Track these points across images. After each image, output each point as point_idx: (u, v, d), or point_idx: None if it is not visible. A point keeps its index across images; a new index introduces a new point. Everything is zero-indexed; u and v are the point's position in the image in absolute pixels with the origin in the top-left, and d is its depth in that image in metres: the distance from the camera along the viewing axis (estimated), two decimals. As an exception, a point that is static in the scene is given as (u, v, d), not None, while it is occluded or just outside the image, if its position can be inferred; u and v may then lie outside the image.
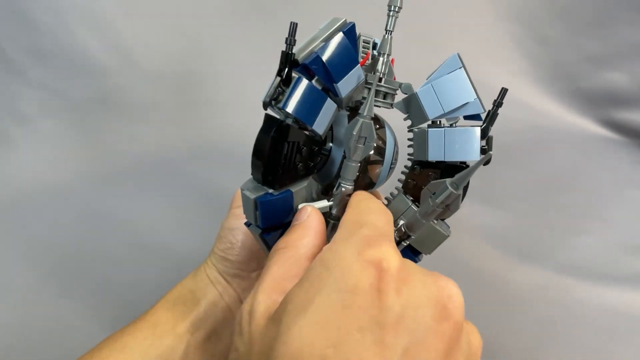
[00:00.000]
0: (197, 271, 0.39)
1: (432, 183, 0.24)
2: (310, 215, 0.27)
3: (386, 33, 0.30)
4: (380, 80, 0.29)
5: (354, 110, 0.32)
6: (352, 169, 0.25)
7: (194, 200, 0.58)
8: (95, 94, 0.69)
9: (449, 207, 0.23)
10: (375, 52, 0.31)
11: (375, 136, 0.28)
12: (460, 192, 0.22)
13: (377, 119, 0.32)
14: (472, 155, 0.29)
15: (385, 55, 0.30)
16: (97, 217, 0.57)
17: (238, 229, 0.36)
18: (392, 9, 0.29)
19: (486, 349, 0.43)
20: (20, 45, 0.65)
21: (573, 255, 0.52)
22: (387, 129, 0.32)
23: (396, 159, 0.33)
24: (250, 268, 0.37)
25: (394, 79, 0.31)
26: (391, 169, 0.32)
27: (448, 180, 0.22)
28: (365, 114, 0.24)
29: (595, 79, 0.72)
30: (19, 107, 0.66)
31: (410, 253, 0.31)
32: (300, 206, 0.28)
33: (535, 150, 0.69)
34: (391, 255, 0.21)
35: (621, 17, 0.68)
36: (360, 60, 0.30)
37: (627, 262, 0.51)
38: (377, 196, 0.33)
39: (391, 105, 0.31)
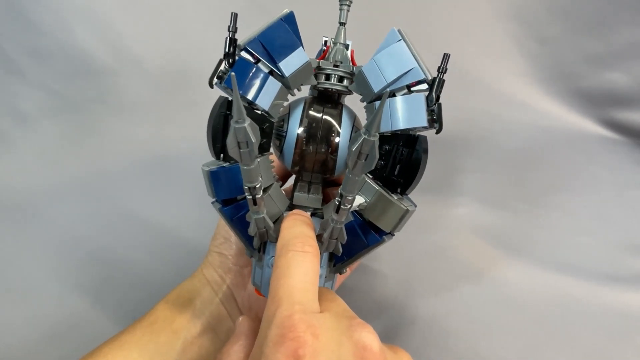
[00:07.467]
0: (194, 273, 0.40)
1: (353, 137, 0.24)
2: (240, 323, 0.29)
3: (340, 25, 0.31)
4: (337, 66, 0.31)
5: (318, 96, 0.33)
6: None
7: (195, 199, 0.58)
8: (95, 94, 0.69)
9: (368, 157, 0.23)
10: (332, 43, 0.32)
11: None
12: (374, 138, 0.22)
13: (338, 103, 0.33)
14: (418, 121, 0.29)
15: (340, 44, 0.31)
16: (96, 217, 0.57)
17: None
18: (343, 2, 0.31)
19: (486, 348, 0.43)
20: (20, 45, 0.65)
21: (573, 255, 0.52)
22: (345, 112, 0.32)
23: None
24: (242, 262, 0.39)
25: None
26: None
27: (362, 129, 0.22)
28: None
29: (595, 79, 0.72)
30: (19, 107, 0.67)
31: (374, 233, 0.30)
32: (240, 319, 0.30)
33: (535, 150, 0.69)
34: (307, 338, 0.21)
35: (621, 17, 0.68)
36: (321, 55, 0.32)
37: (627, 262, 0.51)
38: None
39: (347, 89, 0.32)
